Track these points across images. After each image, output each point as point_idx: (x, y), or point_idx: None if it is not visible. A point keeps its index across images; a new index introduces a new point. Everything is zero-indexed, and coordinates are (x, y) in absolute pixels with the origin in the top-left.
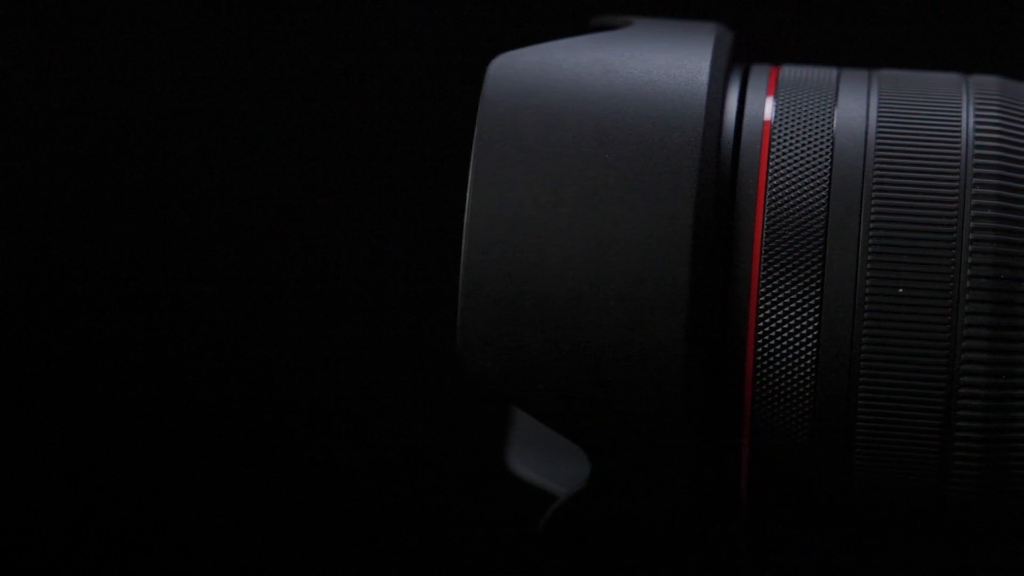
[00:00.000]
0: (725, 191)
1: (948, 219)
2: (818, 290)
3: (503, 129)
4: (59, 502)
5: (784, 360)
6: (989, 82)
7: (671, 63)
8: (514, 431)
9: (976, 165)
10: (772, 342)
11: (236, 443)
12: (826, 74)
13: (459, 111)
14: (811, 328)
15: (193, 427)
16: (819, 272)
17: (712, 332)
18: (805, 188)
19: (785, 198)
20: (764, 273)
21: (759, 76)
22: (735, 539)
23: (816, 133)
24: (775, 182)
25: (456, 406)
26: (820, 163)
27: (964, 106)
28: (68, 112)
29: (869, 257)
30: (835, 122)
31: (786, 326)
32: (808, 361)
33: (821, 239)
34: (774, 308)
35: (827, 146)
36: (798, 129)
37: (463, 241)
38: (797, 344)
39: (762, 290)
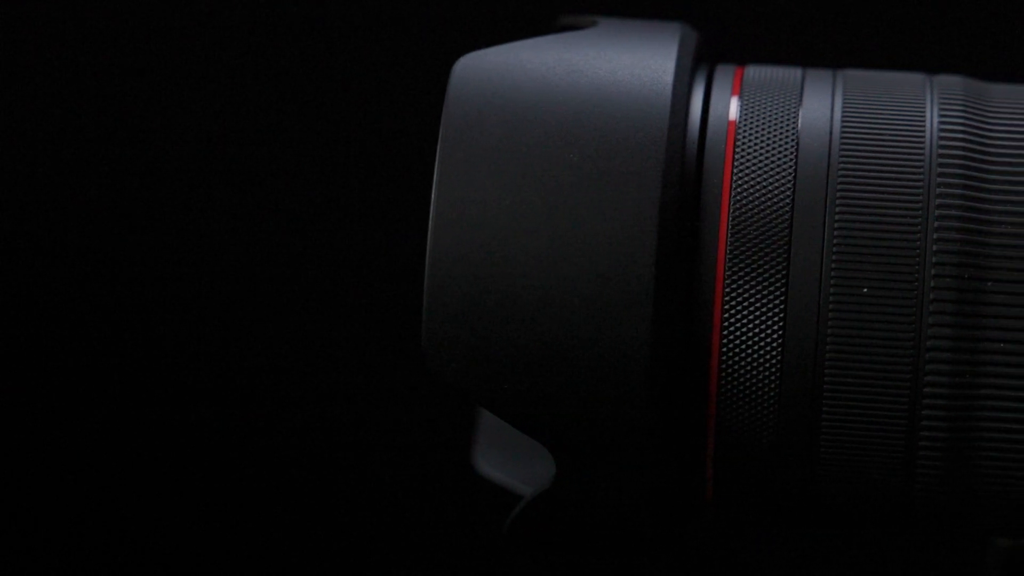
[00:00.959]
0: (690, 191)
1: (912, 219)
2: (783, 290)
3: (468, 129)
4: (32, 501)
5: (749, 359)
6: (953, 82)
7: (636, 63)
8: (480, 431)
9: (940, 165)
10: (737, 341)
11: (202, 443)
12: (791, 74)
13: (424, 111)
14: (776, 327)
15: (155, 433)
16: (784, 272)
17: (677, 332)
18: (770, 188)
19: (750, 198)
20: (729, 273)
21: (724, 76)
22: (701, 537)
23: (781, 133)
24: (740, 182)
25: (422, 406)
26: (785, 163)
27: (928, 106)
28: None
29: (833, 257)
30: (800, 122)
31: (751, 325)
32: (773, 360)
33: (786, 239)
34: (739, 308)
35: (792, 146)
36: (763, 129)
37: (428, 241)
38: (762, 343)
39: (727, 290)
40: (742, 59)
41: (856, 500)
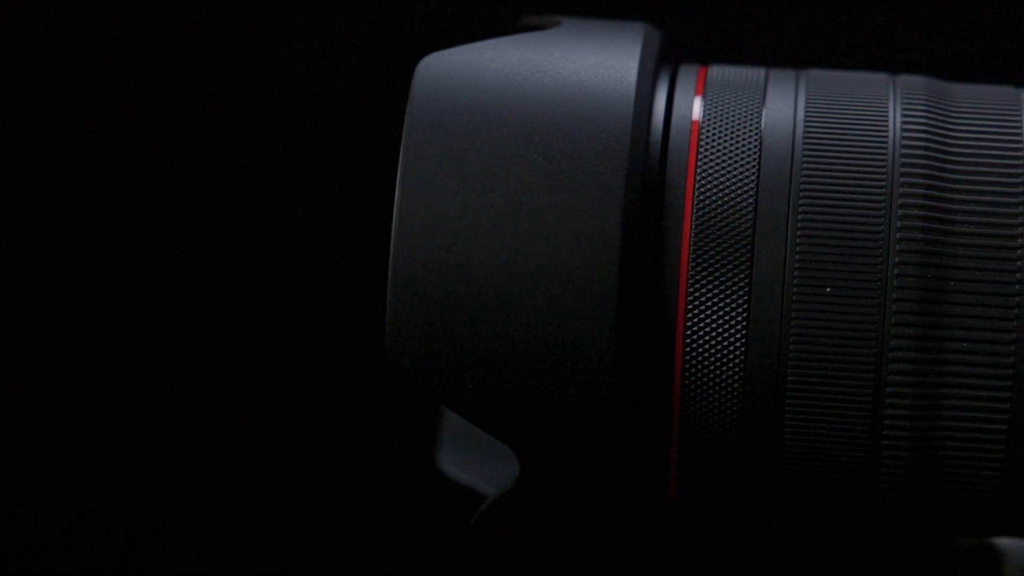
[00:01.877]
0: (654, 190)
1: (875, 218)
2: (746, 289)
3: (431, 129)
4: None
5: (712, 359)
6: (916, 82)
7: (599, 63)
8: (444, 431)
9: (903, 165)
10: (700, 341)
11: (166, 443)
12: (754, 74)
13: (388, 111)
14: (739, 327)
15: (118, 432)
16: (747, 271)
17: (641, 331)
18: (733, 187)
19: (713, 197)
20: (693, 272)
21: (687, 76)
22: (665, 536)
23: (744, 133)
24: (703, 181)
25: (385, 406)
26: (748, 162)
27: (891, 106)
28: None
29: (797, 256)
30: (763, 122)
31: (714, 325)
32: (736, 360)
33: (749, 238)
34: (702, 307)
35: (755, 146)
36: (726, 129)
37: (392, 241)
38: (725, 343)
39: (690, 289)
40: (705, 59)
41: (820, 499)
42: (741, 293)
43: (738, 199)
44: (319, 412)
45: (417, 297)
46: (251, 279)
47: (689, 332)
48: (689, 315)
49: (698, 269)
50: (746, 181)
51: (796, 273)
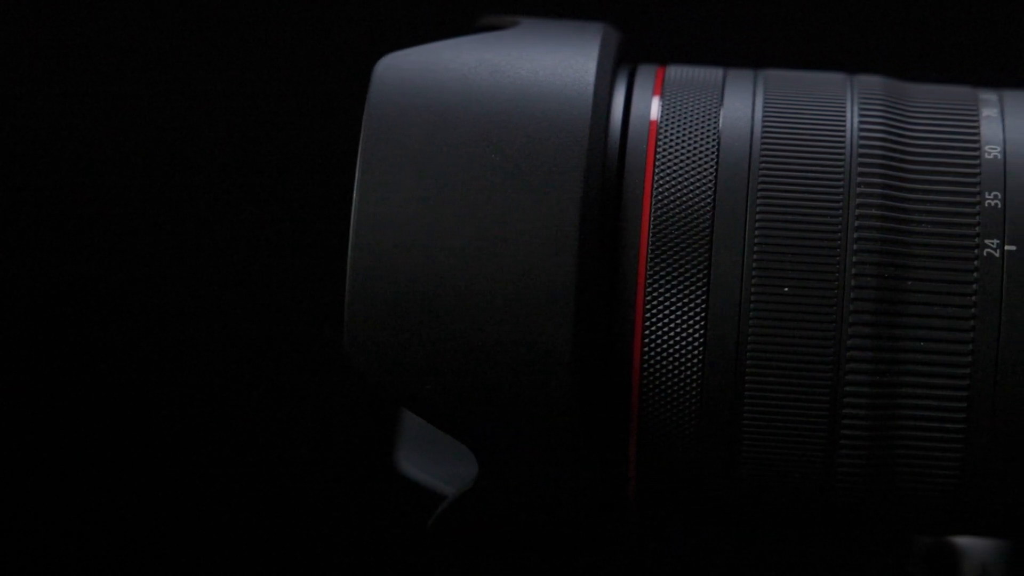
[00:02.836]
0: (612, 191)
1: (833, 219)
2: (704, 289)
3: (389, 130)
4: None
5: (671, 359)
6: (873, 82)
7: (558, 63)
8: (403, 431)
9: (860, 164)
10: (659, 341)
11: (123, 442)
12: (712, 74)
13: (345, 111)
14: (697, 327)
15: (68, 432)
16: (705, 271)
17: (599, 331)
18: (691, 188)
19: (671, 198)
20: (651, 272)
21: (645, 76)
22: (624, 536)
23: (702, 133)
24: (661, 182)
25: (344, 406)
26: (706, 163)
27: (849, 106)
28: None
29: (755, 256)
30: (721, 122)
31: (673, 325)
32: (694, 360)
33: (707, 238)
34: (660, 307)
35: (713, 146)
36: (684, 129)
37: (350, 241)
38: (684, 343)
39: (649, 289)
40: (664, 59)
41: (778, 499)
42: (699, 293)
43: (696, 199)
44: (277, 412)
45: (375, 298)
46: (209, 280)
47: (647, 332)
48: (647, 315)
49: (656, 269)
50: (704, 181)
51: (754, 273)
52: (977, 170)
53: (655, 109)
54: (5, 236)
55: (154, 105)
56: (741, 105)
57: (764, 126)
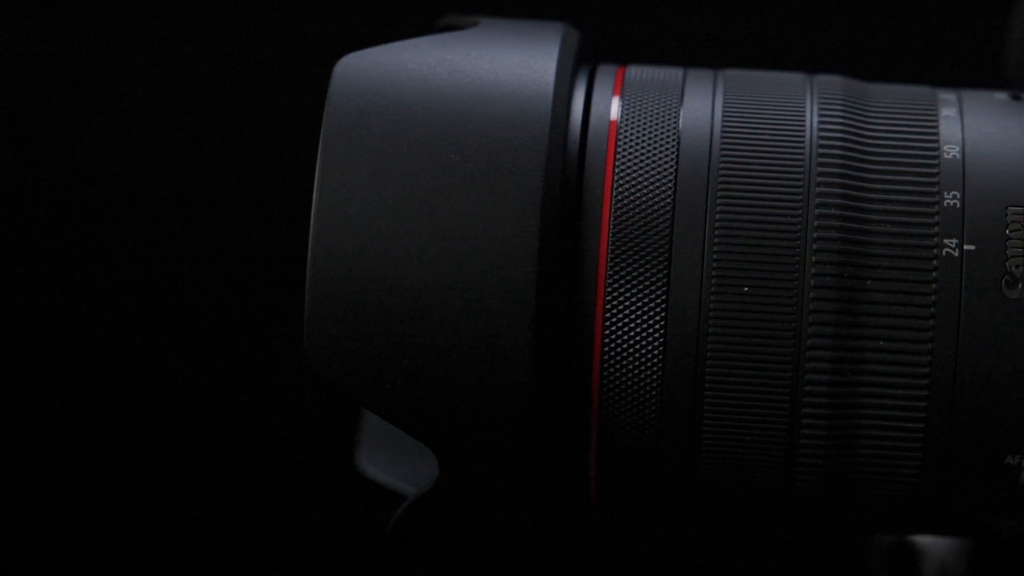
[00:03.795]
0: (572, 191)
1: (792, 218)
2: (664, 289)
3: (349, 130)
4: None
5: (631, 359)
6: (833, 82)
7: (517, 63)
8: (363, 431)
9: (820, 164)
10: (619, 341)
11: (83, 440)
12: (672, 74)
13: (305, 112)
14: (657, 327)
15: (26, 430)
16: (665, 271)
17: (559, 331)
18: (651, 188)
19: (631, 198)
20: (611, 272)
21: (605, 76)
22: (585, 537)
23: (662, 133)
24: (621, 182)
25: (304, 406)
26: (666, 163)
27: (808, 106)
28: None
29: (715, 256)
30: (681, 122)
31: (633, 325)
32: (655, 360)
33: (667, 238)
34: (621, 307)
35: (673, 146)
36: (644, 129)
37: (310, 241)
38: (644, 343)
39: (609, 289)
40: (624, 59)
41: (739, 498)
42: (659, 293)
43: (656, 199)
44: (237, 412)
45: (335, 298)
46: (169, 280)
47: (607, 332)
48: (607, 315)
49: (616, 269)
50: (664, 181)
51: (714, 273)
52: (936, 170)
53: (615, 109)
54: None
55: (109, 106)
56: (701, 105)
57: (724, 126)
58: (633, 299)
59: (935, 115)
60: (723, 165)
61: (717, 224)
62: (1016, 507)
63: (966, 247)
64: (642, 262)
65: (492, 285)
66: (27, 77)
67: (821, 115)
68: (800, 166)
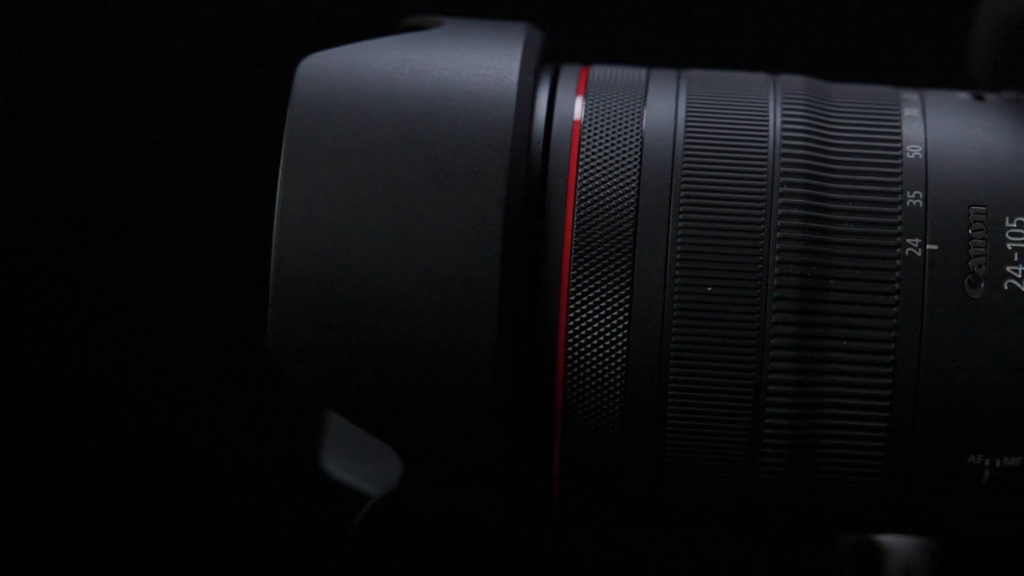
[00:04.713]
0: (535, 191)
1: (756, 218)
2: (628, 289)
3: (313, 130)
4: None
5: (595, 359)
6: (796, 82)
7: (481, 63)
8: (328, 431)
9: (783, 164)
10: (582, 341)
11: (44, 440)
12: (635, 74)
13: (269, 112)
14: (621, 327)
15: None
16: (629, 271)
17: (523, 331)
18: (615, 187)
19: (595, 197)
20: (574, 272)
21: (569, 76)
22: (548, 538)
23: (625, 133)
24: (585, 182)
25: (268, 406)
26: (629, 162)
27: (771, 106)
28: None
29: (678, 256)
30: (644, 122)
31: (596, 325)
32: (618, 360)
33: (631, 238)
34: (584, 307)
35: (636, 146)
36: (608, 129)
37: (273, 241)
38: (607, 342)
39: (572, 289)
40: (587, 59)
41: (702, 498)
42: (623, 293)
43: (619, 199)
44: (200, 413)
45: (299, 298)
46: (133, 280)
47: (571, 332)
48: (571, 315)
49: (580, 269)
50: (627, 181)
51: (677, 273)
52: (899, 170)
53: (578, 109)
54: None
55: (78, 106)
56: (664, 105)
57: (687, 126)
58: (597, 298)
59: (898, 115)
60: (687, 165)
61: (680, 224)
62: (979, 506)
63: (929, 247)
64: (606, 262)
65: (456, 285)
66: None
67: (784, 115)
68: (763, 166)
